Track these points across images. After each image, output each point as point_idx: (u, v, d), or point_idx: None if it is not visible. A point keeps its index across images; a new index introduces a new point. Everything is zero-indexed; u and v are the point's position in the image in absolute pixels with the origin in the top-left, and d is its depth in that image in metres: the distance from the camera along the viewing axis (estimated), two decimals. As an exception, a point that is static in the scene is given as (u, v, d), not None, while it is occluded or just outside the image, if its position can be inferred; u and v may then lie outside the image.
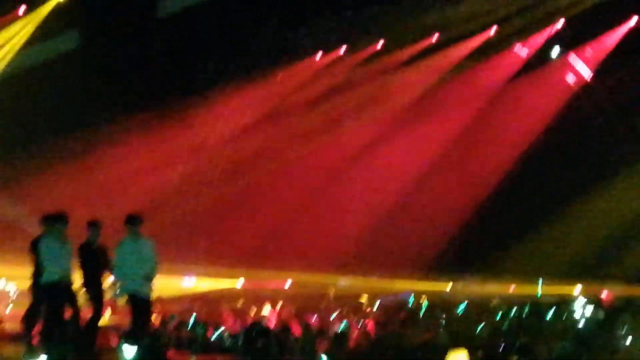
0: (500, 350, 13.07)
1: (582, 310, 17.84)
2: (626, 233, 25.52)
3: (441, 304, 20.44)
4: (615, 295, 20.22)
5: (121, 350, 10.40)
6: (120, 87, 24.92)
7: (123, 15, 23.68)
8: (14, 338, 15.40)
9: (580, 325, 16.23)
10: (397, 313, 19.43)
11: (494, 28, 25.72)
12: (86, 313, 13.86)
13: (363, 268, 26.49)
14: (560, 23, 25.26)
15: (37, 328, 13.64)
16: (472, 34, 25.86)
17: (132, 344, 10.23)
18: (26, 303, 14.34)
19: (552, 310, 17.86)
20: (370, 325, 16.66)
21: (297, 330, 15.60)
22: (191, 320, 16.12)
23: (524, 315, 18.20)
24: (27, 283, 13.99)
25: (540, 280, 23.99)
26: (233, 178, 27.83)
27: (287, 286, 26.00)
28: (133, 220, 13.68)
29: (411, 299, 21.75)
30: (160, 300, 17.12)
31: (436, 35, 26.05)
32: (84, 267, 13.87)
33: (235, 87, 26.46)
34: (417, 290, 23.65)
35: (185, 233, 26.84)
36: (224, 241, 26.17)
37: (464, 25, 25.30)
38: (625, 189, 25.65)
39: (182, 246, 25.23)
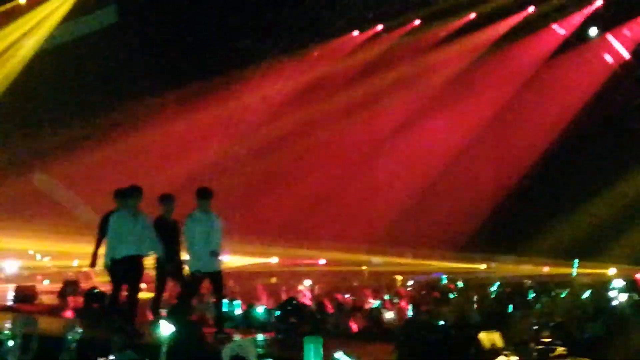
0: (533, 330, 13.03)
1: (616, 292, 17.71)
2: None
3: (474, 284, 20.39)
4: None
5: (158, 327, 10.45)
6: (157, 63, 25.02)
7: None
8: (51, 311, 15.57)
9: (615, 305, 16.10)
10: (429, 292, 19.47)
11: (532, 7, 25.50)
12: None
13: (397, 247, 26.48)
14: (598, 2, 24.98)
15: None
16: (509, 12, 25.66)
17: (171, 321, 10.27)
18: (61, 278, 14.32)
19: (587, 291, 17.75)
20: (403, 304, 16.68)
21: (330, 307, 15.66)
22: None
23: (558, 296, 18.12)
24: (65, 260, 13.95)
25: (577, 261, 23.85)
26: (268, 155, 27.88)
27: (321, 263, 26.02)
28: (204, 194, 13.33)
29: (444, 279, 21.73)
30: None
31: (473, 13, 25.87)
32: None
33: (272, 64, 26.46)
34: (451, 270, 23.62)
35: (221, 208, 26.99)
36: (259, 218, 26.26)
37: (502, 3, 25.11)
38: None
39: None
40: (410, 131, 27.69)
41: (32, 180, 24.35)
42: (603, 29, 25.70)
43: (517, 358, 10.96)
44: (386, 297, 17.32)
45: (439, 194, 27.28)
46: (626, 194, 25.30)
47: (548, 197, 26.12)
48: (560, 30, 26.17)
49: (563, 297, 17.86)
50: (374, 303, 16.61)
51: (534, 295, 17.91)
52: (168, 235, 13.49)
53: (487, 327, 11.86)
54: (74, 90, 24.11)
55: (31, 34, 23.88)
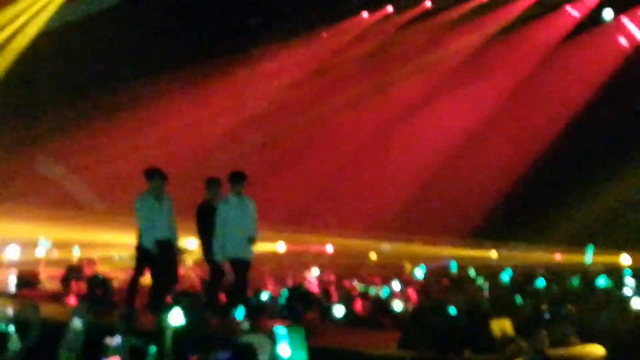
0: (546, 318, 12.78)
1: (630, 280, 17.47)
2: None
3: (485, 271, 20.14)
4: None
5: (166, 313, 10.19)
6: (164, 44, 24.83)
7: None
8: (52, 297, 15.37)
9: (628, 294, 15.82)
10: (439, 279, 19.23)
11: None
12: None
13: (406, 233, 26.19)
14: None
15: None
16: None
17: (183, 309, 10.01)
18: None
19: (600, 278, 17.49)
20: (412, 291, 16.44)
21: (337, 294, 15.48)
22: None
23: (571, 284, 17.87)
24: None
25: (591, 248, 23.54)
26: (276, 138, 27.65)
27: (329, 250, 25.77)
28: (237, 178, 13.09)
29: (454, 266, 21.48)
30: (200, 263, 16.91)
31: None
32: (204, 228, 13.24)
33: (280, 45, 26.23)
34: (461, 256, 23.39)
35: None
36: (265, 203, 25.97)
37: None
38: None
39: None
40: (420, 115, 27.42)
41: (34, 164, 24.27)
42: (618, 11, 25.32)
43: (528, 345, 10.71)
44: (395, 283, 17.03)
45: (450, 179, 26.99)
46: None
47: (561, 182, 25.80)
48: (574, 12, 25.83)
49: (576, 285, 17.64)
50: (382, 290, 16.34)
51: (546, 282, 17.62)
52: (213, 220, 13.03)
53: (498, 315, 11.73)
54: (77, 73, 23.95)
55: (34, 15, 23.68)
